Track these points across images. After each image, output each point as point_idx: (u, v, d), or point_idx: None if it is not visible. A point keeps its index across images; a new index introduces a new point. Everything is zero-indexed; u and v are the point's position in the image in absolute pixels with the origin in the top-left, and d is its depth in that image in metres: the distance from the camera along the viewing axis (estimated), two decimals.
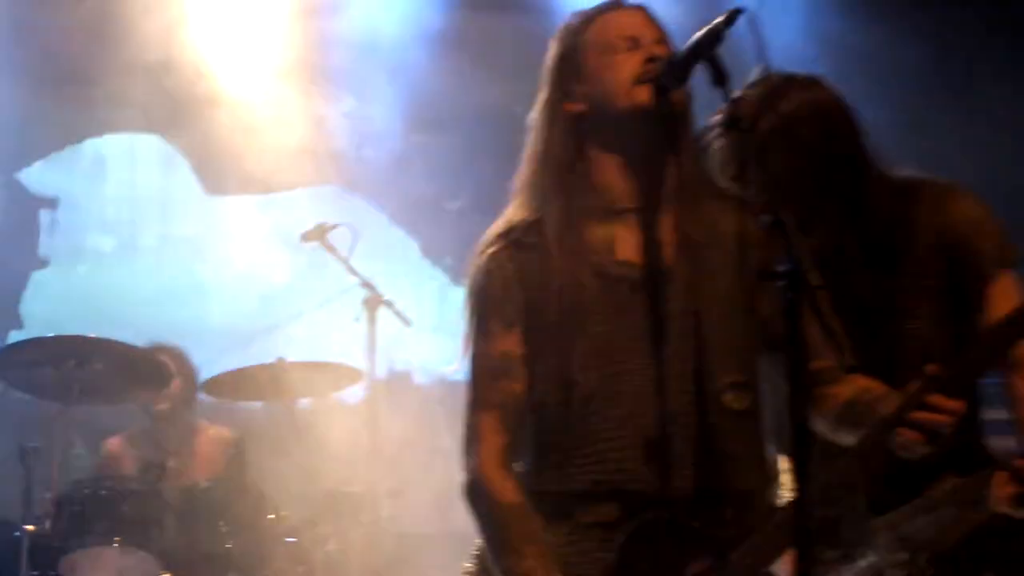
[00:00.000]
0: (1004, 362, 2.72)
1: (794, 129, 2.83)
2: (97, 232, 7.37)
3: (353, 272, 5.63)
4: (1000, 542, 2.74)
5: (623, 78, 2.49)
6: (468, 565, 2.57)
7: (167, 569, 4.83)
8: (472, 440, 2.51)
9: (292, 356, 5.49)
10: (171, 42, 6.60)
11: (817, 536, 2.57)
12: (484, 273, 2.56)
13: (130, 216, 7.42)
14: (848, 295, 2.76)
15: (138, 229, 7.45)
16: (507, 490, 2.46)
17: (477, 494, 2.48)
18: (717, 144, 2.80)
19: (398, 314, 5.65)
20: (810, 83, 2.94)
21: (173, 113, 6.95)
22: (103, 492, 4.93)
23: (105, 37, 6.56)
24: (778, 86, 2.86)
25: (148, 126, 7.31)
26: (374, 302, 5.53)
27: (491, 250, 2.57)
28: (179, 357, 5.75)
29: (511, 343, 2.52)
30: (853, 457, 2.40)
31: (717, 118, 2.71)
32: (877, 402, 2.43)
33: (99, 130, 7.32)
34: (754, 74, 2.84)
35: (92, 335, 5.20)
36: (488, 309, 2.55)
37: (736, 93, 2.37)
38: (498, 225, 2.62)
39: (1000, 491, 2.56)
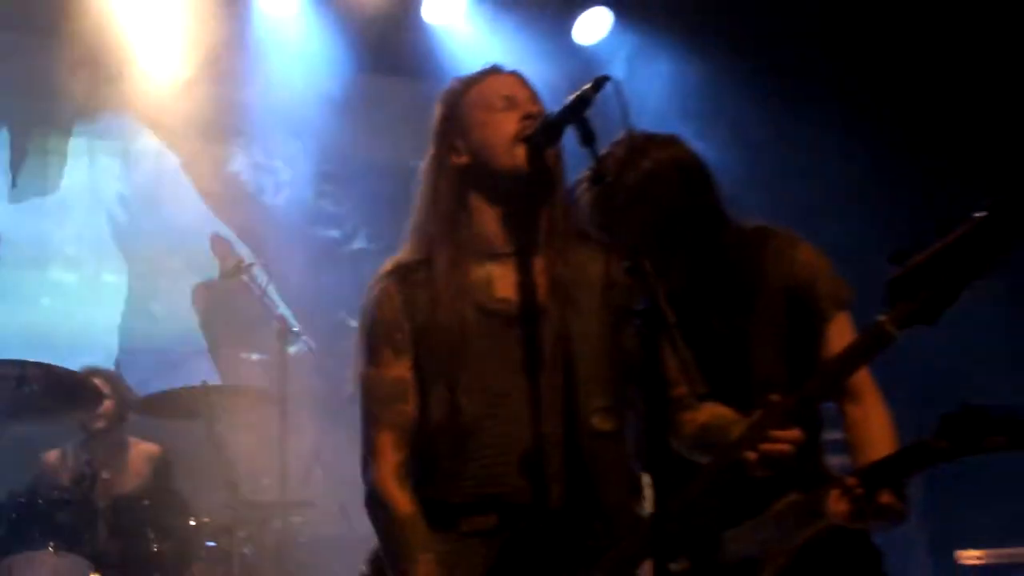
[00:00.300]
0: (838, 392, 2.84)
1: (654, 184, 2.92)
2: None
3: (267, 306, 5.83)
4: (833, 553, 2.79)
5: (502, 136, 2.58)
6: (363, 568, 2.62)
7: (98, 571, 4.88)
8: (371, 457, 2.57)
9: (214, 380, 5.76)
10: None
11: (675, 546, 2.71)
12: (376, 305, 2.62)
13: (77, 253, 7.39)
14: (703, 332, 2.87)
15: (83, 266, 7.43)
16: (404, 502, 2.51)
17: (376, 505, 2.54)
18: (585, 197, 2.87)
19: (306, 342, 5.89)
20: (669, 142, 3.04)
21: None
22: (39, 502, 4.97)
23: None
24: (639, 145, 2.95)
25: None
26: (284, 332, 5.73)
27: (382, 285, 2.64)
28: (113, 379, 5.87)
29: (402, 369, 2.58)
30: (706, 476, 2.44)
31: (586, 173, 2.75)
32: (728, 427, 2.49)
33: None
34: (620, 134, 2.87)
35: (29, 359, 5.18)
36: (380, 338, 2.60)
37: (602, 151, 2.47)
38: (388, 264, 2.69)
39: (835, 507, 2.59)
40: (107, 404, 5.67)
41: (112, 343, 7.16)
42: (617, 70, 7.09)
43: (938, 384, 5.72)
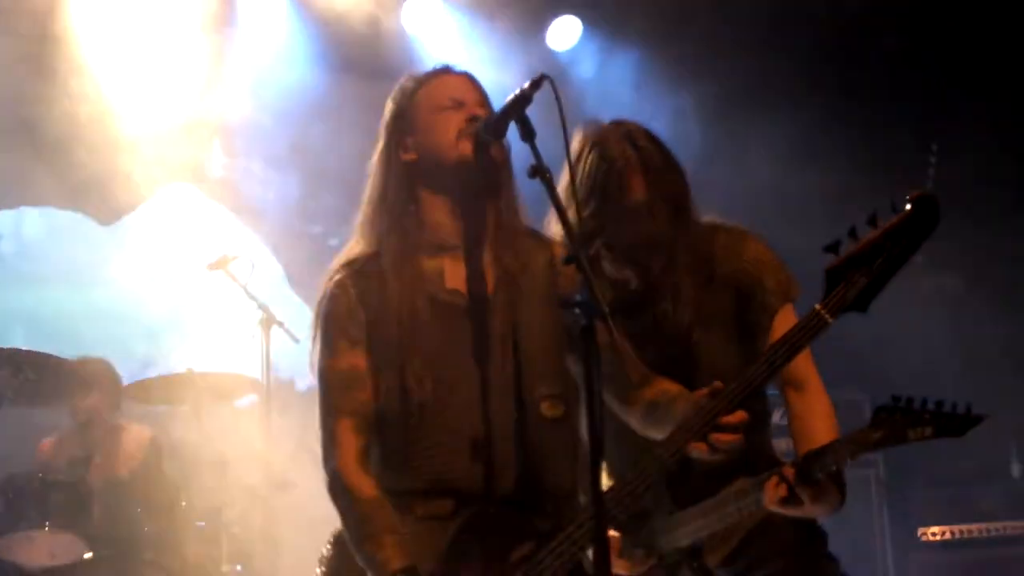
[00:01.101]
0: (781, 380, 2.87)
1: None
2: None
3: (251, 296, 5.78)
4: (779, 537, 2.84)
5: (449, 134, 2.55)
6: (325, 550, 2.59)
7: (92, 549, 4.96)
8: (331, 444, 2.52)
9: (199, 367, 5.67)
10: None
11: (625, 528, 2.82)
12: (330, 298, 2.59)
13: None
14: (655, 320, 2.91)
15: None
16: (366, 486, 2.47)
17: (339, 491, 2.49)
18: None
19: (288, 332, 5.78)
20: (635, 124, 2.97)
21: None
22: (36, 484, 5.02)
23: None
24: (624, 125, 2.92)
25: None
26: (268, 322, 5.70)
27: (336, 278, 2.60)
28: (105, 367, 5.85)
29: (357, 359, 2.54)
30: (655, 461, 2.43)
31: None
32: (673, 403, 2.51)
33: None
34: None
35: (24, 348, 5.32)
36: (335, 330, 2.56)
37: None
38: (341, 257, 2.65)
39: (772, 493, 2.60)
40: (94, 397, 5.67)
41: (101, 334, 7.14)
42: (586, 73, 7.26)
43: (894, 377, 5.81)
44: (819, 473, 2.56)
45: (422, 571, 2.40)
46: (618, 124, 2.94)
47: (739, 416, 2.39)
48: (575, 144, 2.89)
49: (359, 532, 2.45)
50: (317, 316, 2.63)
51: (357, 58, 7.09)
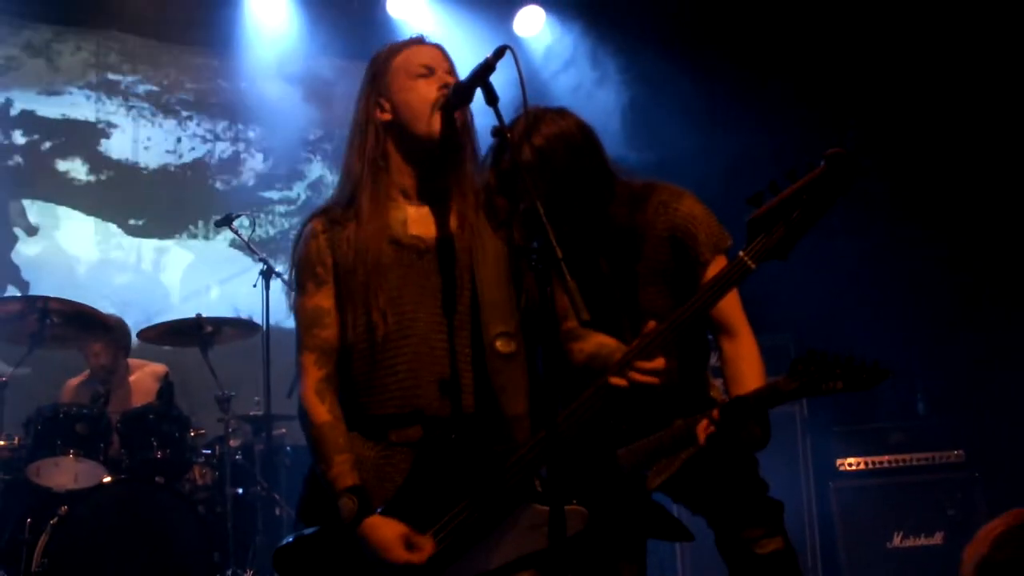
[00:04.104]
0: (713, 326, 2.89)
1: (545, 158, 2.85)
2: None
3: (253, 250, 5.81)
4: (709, 465, 2.85)
5: (420, 100, 2.52)
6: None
7: (110, 473, 4.92)
8: (299, 375, 2.52)
9: (207, 312, 5.63)
10: None
11: (572, 457, 2.73)
12: (303, 243, 2.58)
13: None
14: (595, 275, 2.89)
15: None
16: (321, 412, 2.45)
17: (302, 415, 2.49)
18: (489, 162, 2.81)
19: (286, 283, 5.91)
20: (558, 115, 2.94)
21: None
22: (61, 416, 4.99)
23: None
24: (532, 122, 2.88)
25: None
26: (268, 273, 5.70)
27: (310, 224, 2.59)
28: (117, 317, 5.96)
29: (322, 299, 2.52)
30: (587, 398, 2.42)
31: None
32: (611, 355, 2.47)
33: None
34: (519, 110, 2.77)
35: (51, 295, 5.25)
36: (305, 272, 2.55)
37: (506, 124, 2.37)
38: (322, 205, 2.65)
39: (703, 434, 2.66)
40: (108, 340, 5.72)
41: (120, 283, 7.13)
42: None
43: (814, 326, 5.84)
44: (745, 417, 2.59)
45: (382, 498, 2.39)
46: (526, 116, 2.86)
47: (657, 363, 2.36)
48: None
49: (315, 452, 2.44)
50: (292, 260, 2.62)
51: (348, 41, 7.08)
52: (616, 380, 2.38)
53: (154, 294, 7.28)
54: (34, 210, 7.11)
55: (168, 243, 7.47)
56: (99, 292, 6.94)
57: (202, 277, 7.41)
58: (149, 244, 7.41)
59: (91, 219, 7.28)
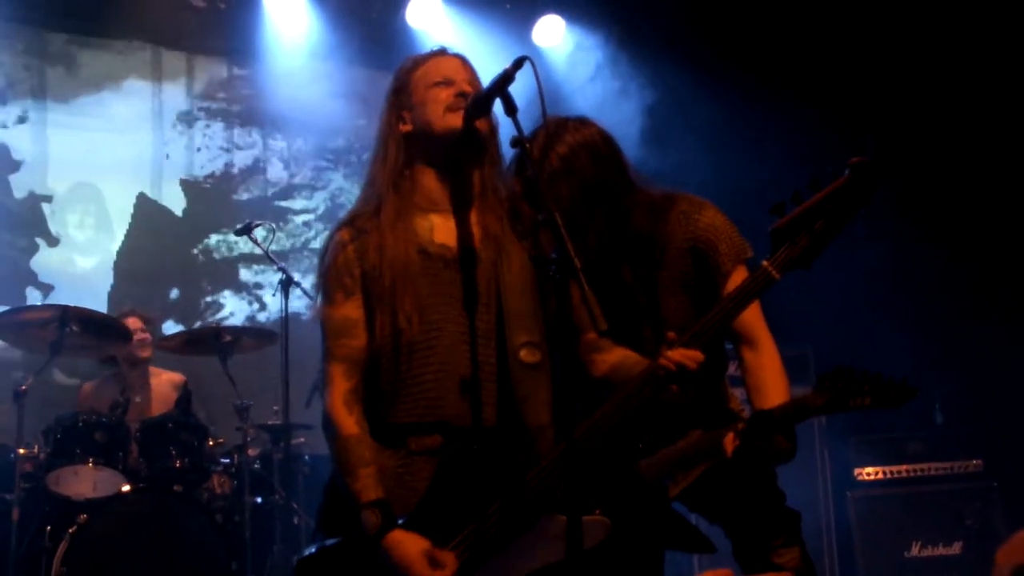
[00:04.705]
0: (735, 335, 2.86)
1: (568, 167, 2.85)
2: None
3: (272, 259, 5.76)
4: (728, 474, 2.82)
5: (435, 104, 2.55)
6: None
7: (129, 482, 4.89)
8: (326, 385, 2.51)
9: (227, 321, 5.77)
10: None
11: (594, 468, 2.66)
12: (330, 252, 2.58)
13: None
14: (617, 283, 2.87)
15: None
16: (349, 424, 2.45)
17: (328, 426, 2.48)
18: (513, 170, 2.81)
19: (305, 291, 5.77)
20: (580, 125, 2.95)
21: None
22: (80, 424, 4.96)
23: None
24: (554, 131, 2.88)
25: None
26: (287, 282, 5.69)
27: (337, 235, 2.60)
28: (147, 319, 5.89)
29: (351, 308, 2.52)
30: (616, 404, 2.41)
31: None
32: (634, 367, 2.48)
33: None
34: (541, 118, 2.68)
35: (70, 304, 5.17)
36: (333, 281, 2.54)
37: (527, 135, 2.39)
38: (347, 215, 2.66)
39: (729, 447, 2.63)
40: (138, 339, 5.67)
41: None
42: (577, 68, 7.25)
43: (832, 336, 5.83)
44: (771, 432, 2.57)
45: (402, 506, 2.39)
46: (546, 125, 2.85)
47: (696, 354, 2.35)
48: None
49: (340, 465, 2.44)
50: (319, 270, 2.62)
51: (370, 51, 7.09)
52: (668, 357, 2.36)
53: None
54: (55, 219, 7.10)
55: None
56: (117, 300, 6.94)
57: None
58: None
59: None
